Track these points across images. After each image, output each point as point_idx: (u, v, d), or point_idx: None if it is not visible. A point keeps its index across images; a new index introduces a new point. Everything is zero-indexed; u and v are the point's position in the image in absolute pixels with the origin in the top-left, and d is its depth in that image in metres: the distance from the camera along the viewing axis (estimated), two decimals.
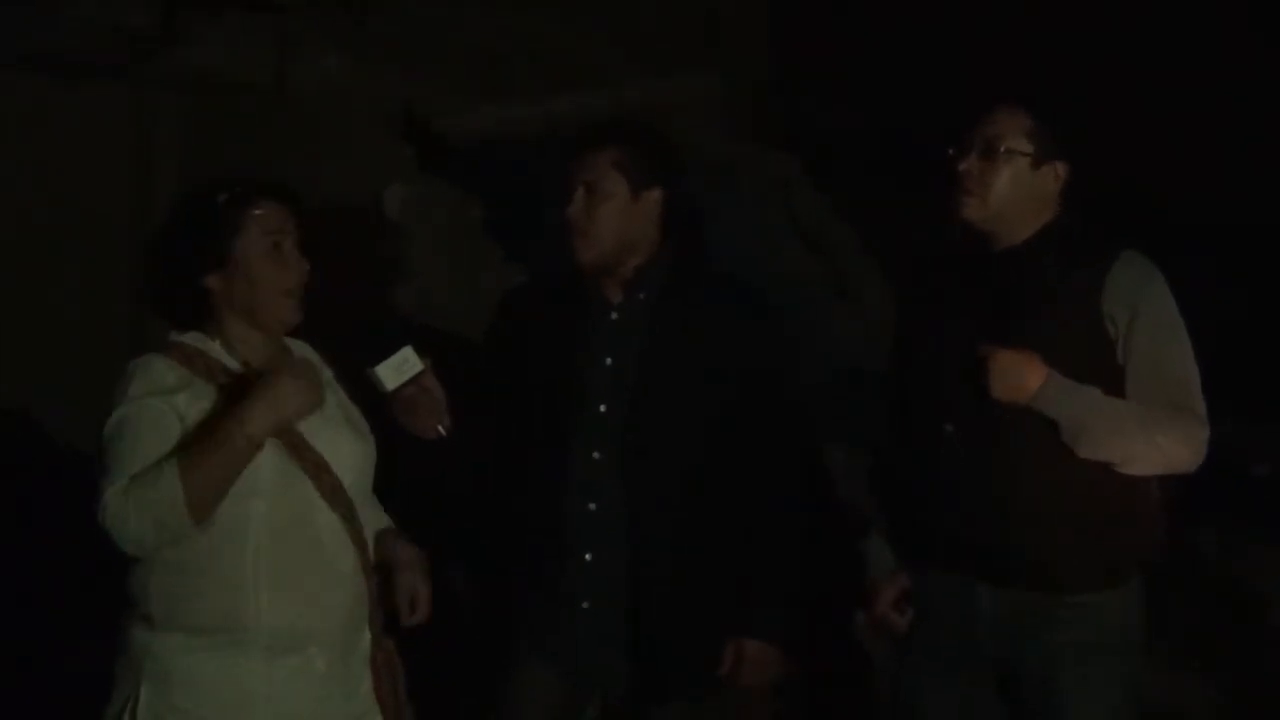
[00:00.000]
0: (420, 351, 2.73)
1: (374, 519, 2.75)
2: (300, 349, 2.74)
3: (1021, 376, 2.68)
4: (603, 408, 2.94)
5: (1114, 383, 2.73)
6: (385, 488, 2.77)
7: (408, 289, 4.42)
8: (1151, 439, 2.70)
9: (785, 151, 4.73)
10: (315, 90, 4.60)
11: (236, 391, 2.53)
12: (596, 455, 2.92)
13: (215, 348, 2.59)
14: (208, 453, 2.43)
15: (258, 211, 2.59)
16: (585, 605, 2.94)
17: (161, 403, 2.50)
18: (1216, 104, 4.62)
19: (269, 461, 2.52)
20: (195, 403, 2.52)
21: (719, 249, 3.80)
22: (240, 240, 2.57)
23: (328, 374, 2.73)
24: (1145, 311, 2.73)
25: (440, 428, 2.82)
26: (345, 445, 2.65)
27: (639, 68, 4.74)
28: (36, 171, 4.41)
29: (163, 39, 4.49)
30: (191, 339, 2.59)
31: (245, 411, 2.46)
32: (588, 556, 2.93)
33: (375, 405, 2.74)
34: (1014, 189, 2.78)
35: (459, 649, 3.26)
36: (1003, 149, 2.77)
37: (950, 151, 2.82)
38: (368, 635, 2.67)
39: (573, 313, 3.02)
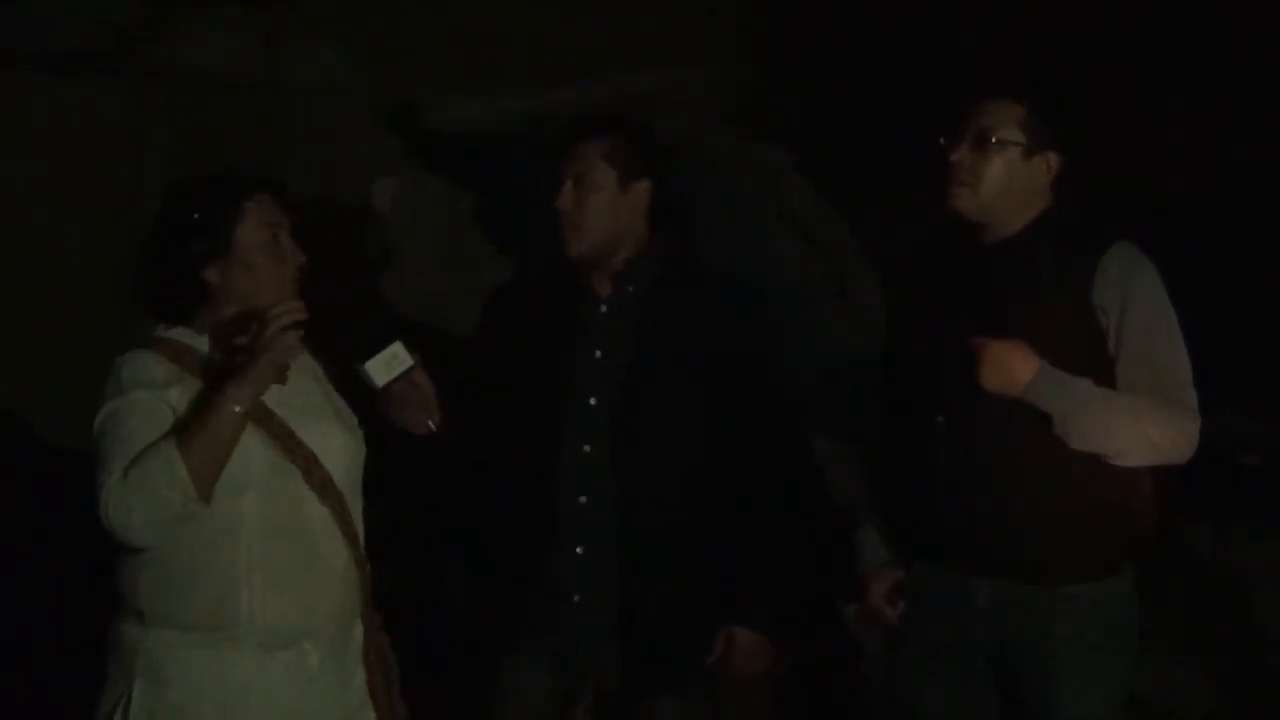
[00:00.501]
0: (410, 346, 2.73)
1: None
2: None
3: (1012, 368, 2.68)
4: (593, 400, 2.95)
5: (1106, 374, 2.73)
6: (376, 483, 2.77)
7: (399, 283, 4.42)
8: (1142, 431, 2.70)
9: (782, 146, 4.74)
10: (307, 84, 4.61)
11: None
12: (587, 448, 2.93)
13: (203, 342, 2.59)
14: (201, 423, 2.43)
15: (255, 203, 2.59)
16: (577, 599, 2.94)
17: (153, 396, 2.50)
18: (1216, 102, 4.61)
19: (260, 455, 2.53)
20: (186, 398, 2.52)
21: (715, 244, 3.80)
22: (239, 232, 2.57)
23: (317, 369, 2.74)
24: (1136, 303, 2.73)
25: (430, 423, 2.82)
26: (335, 439, 2.65)
27: (635, 61, 4.75)
28: (30, 168, 4.42)
29: (154, 33, 4.49)
30: (179, 334, 2.59)
31: (231, 380, 2.46)
32: (579, 550, 2.93)
33: (365, 400, 2.74)
34: (1005, 179, 2.78)
35: (452, 642, 3.27)
36: (994, 139, 2.77)
37: (942, 142, 2.82)
38: (360, 629, 2.68)
39: (563, 306, 3.02)
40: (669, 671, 2.95)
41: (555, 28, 4.80)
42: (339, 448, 2.66)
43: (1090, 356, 2.73)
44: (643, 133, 3.05)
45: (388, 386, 2.72)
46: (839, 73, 4.80)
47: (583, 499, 2.92)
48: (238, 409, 2.45)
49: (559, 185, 2.97)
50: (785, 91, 4.95)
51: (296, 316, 2.49)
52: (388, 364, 2.70)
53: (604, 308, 3.01)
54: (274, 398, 2.54)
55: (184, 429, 2.45)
